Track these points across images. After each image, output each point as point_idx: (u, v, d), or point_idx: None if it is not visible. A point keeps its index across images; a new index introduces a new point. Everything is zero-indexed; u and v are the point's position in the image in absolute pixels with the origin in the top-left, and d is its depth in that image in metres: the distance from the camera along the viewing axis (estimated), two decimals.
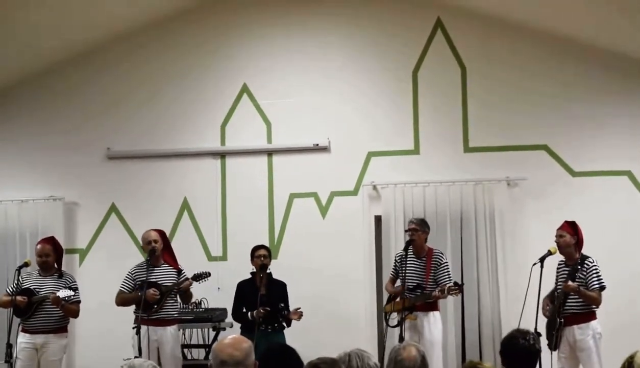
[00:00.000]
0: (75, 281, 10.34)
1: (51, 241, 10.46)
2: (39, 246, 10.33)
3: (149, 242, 10.18)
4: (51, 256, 10.28)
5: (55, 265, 10.35)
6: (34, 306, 10.04)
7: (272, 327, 10.25)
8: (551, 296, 9.71)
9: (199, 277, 10.11)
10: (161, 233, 10.37)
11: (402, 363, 5.50)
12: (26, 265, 10.44)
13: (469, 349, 11.12)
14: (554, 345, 9.53)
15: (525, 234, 11.16)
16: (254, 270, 10.52)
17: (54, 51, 11.96)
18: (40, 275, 10.26)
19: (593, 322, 9.54)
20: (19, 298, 9.99)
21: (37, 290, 10.10)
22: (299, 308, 10.35)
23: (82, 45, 12.06)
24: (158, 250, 10.16)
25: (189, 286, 10.08)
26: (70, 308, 10.13)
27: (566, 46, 11.39)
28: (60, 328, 10.21)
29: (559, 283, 9.67)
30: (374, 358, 5.20)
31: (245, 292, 10.48)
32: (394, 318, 10.18)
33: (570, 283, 9.40)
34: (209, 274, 10.17)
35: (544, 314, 9.64)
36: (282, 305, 10.38)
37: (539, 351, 5.85)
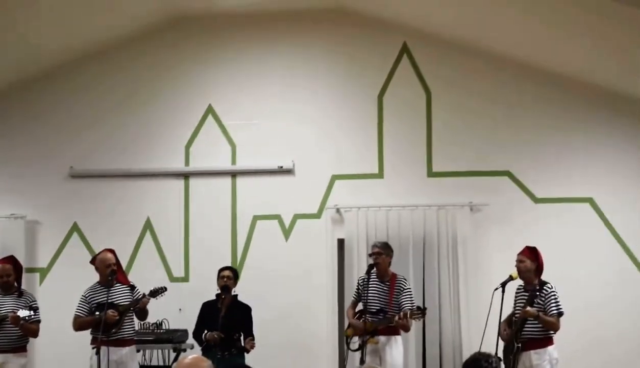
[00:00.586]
0: (35, 301, 10.25)
1: (11, 260, 10.38)
2: None
3: (108, 265, 10.09)
4: (12, 275, 10.22)
5: (15, 284, 10.26)
6: None
7: (229, 353, 10.13)
8: (509, 321, 9.73)
9: (155, 293, 10.01)
10: (113, 252, 10.30)
11: None
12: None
13: None
14: None
15: (487, 259, 11.21)
16: (218, 292, 10.48)
17: (17, 68, 11.89)
18: (1, 294, 10.16)
19: (550, 348, 9.57)
20: None
21: None
22: (252, 339, 10.22)
23: (47, 63, 12.01)
24: (116, 272, 10.11)
25: (146, 303, 10.01)
26: (30, 328, 10.04)
27: (530, 73, 11.49)
28: (19, 347, 10.12)
29: (517, 308, 9.70)
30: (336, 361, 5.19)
31: (208, 313, 10.42)
32: (355, 342, 10.16)
33: (529, 308, 9.43)
34: (165, 289, 10.08)
35: (502, 338, 9.66)
36: (237, 335, 10.26)
37: None
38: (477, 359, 5.90)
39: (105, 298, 9.93)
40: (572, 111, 11.49)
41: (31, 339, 10.36)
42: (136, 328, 10.34)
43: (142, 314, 10.14)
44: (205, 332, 10.23)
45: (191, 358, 4.39)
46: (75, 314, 10.08)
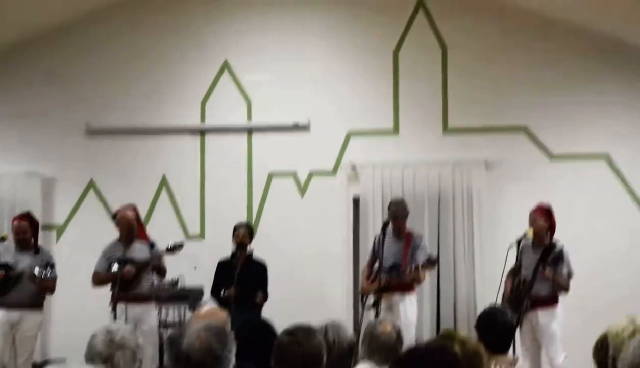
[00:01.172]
0: (52, 257, 10.31)
1: (27, 217, 10.41)
2: (15, 223, 10.29)
3: (127, 221, 10.14)
4: (28, 232, 10.26)
5: (33, 241, 10.31)
6: (11, 281, 10.00)
7: (245, 308, 10.15)
8: (514, 273, 9.67)
9: (173, 249, 10.04)
10: (133, 208, 10.36)
11: (378, 338, 5.53)
12: (3, 239, 10.40)
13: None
14: (515, 326, 9.55)
15: (502, 215, 11.19)
16: (234, 248, 10.52)
17: (32, 25, 11.88)
18: (17, 251, 10.21)
19: (557, 307, 9.59)
20: None
21: (15, 265, 10.06)
22: (261, 292, 10.30)
23: (61, 19, 11.99)
24: (135, 227, 10.15)
25: (161, 257, 10.04)
26: (46, 285, 10.11)
27: (548, 29, 11.42)
28: (36, 304, 10.18)
29: (523, 265, 9.60)
30: (350, 331, 5.22)
31: (223, 271, 10.46)
32: (370, 298, 10.18)
33: (547, 271, 9.42)
34: (182, 245, 10.11)
35: (506, 290, 9.63)
36: (264, 289, 10.32)
37: (515, 327, 5.89)
38: (491, 313, 5.95)
39: (125, 255, 9.99)
40: (590, 67, 11.42)
41: (47, 297, 10.43)
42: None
43: (160, 271, 10.19)
44: (223, 289, 10.25)
45: (208, 309, 4.44)
46: (95, 270, 10.14)
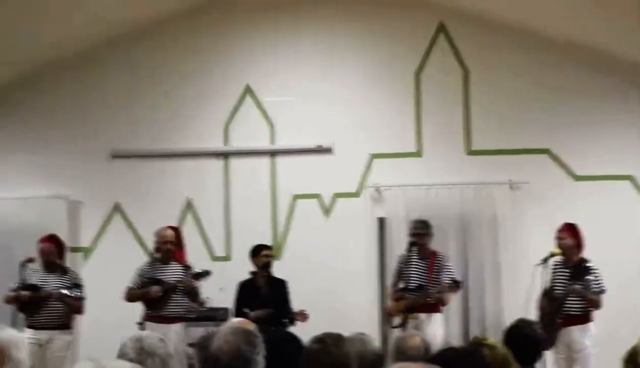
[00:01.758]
0: (79, 278, 10.40)
1: (53, 238, 10.52)
2: (41, 245, 10.40)
3: (165, 242, 10.25)
4: (54, 253, 10.36)
5: (60, 262, 10.40)
6: (39, 302, 10.08)
7: (278, 326, 10.19)
8: (547, 294, 9.70)
9: (199, 276, 10.15)
10: (175, 229, 10.50)
11: (406, 352, 5.53)
12: (30, 260, 10.46)
13: None
14: (550, 345, 9.56)
15: (527, 237, 11.19)
16: (254, 270, 10.55)
17: (58, 49, 11.97)
18: (45, 272, 10.31)
19: (590, 324, 9.59)
20: (23, 293, 10.04)
21: (42, 286, 10.16)
22: (305, 310, 10.33)
23: (86, 43, 12.07)
24: (173, 249, 10.24)
25: (189, 285, 10.11)
26: (75, 305, 10.19)
27: (570, 50, 11.44)
28: (64, 324, 10.25)
29: (555, 283, 9.67)
30: (376, 343, 5.24)
31: (247, 292, 10.48)
32: (397, 319, 10.22)
33: (577, 286, 9.43)
34: (209, 272, 10.19)
35: (540, 311, 9.64)
36: (289, 306, 10.34)
37: (544, 340, 5.89)
38: (519, 326, 5.95)
39: (159, 274, 10.12)
40: (613, 89, 11.45)
41: (77, 317, 10.49)
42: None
43: (191, 295, 10.24)
44: (248, 311, 10.26)
45: (237, 321, 4.47)
46: (128, 286, 10.25)
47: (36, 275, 10.30)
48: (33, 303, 10.08)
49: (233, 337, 3.82)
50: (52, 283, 10.18)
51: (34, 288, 10.13)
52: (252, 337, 3.87)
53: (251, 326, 4.84)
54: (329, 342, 4.60)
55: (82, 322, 11.26)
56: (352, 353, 4.64)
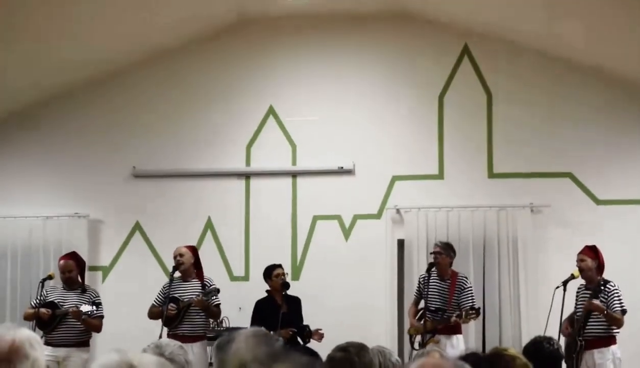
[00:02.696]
0: (98, 296, 10.43)
1: (73, 256, 10.57)
2: (61, 262, 10.45)
3: (175, 256, 10.31)
4: (74, 271, 10.39)
5: (79, 280, 10.43)
6: (57, 320, 10.10)
7: (300, 344, 10.22)
8: (571, 319, 9.70)
9: (208, 293, 10.23)
10: (192, 248, 10.56)
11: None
12: (50, 278, 10.52)
13: None
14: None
15: (547, 260, 11.16)
16: (269, 289, 10.58)
17: (79, 72, 12.05)
18: (64, 289, 10.35)
19: (613, 347, 9.53)
20: (42, 310, 10.08)
21: (61, 303, 10.20)
22: (321, 330, 10.35)
23: (107, 67, 12.14)
24: (185, 264, 10.27)
25: (200, 303, 10.12)
26: (92, 323, 10.20)
27: (593, 74, 11.43)
28: (82, 342, 10.28)
29: (578, 306, 9.66)
30: (395, 355, 5.23)
31: (265, 311, 10.48)
32: (418, 341, 10.21)
33: (595, 301, 9.37)
34: (218, 290, 10.27)
35: (564, 336, 9.61)
36: (307, 325, 10.36)
37: (562, 357, 5.85)
38: (538, 342, 5.92)
39: (177, 292, 10.15)
40: (635, 113, 11.43)
41: (95, 335, 10.51)
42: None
43: (209, 313, 10.26)
44: (271, 331, 10.24)
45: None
46: (152, 303, 10.35)
47: (55, 292, 10.34)
48: (51, 321, 10.10)
49: (253, 340, 3.80)
50: (71, 300, 10.21)
51: (52, 305, 10.15)
52: (272, 340, 3.86)
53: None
54: (352, 351, 4.60)
55: (101, 340, 11.27)
56: (375, 363, 4.63)
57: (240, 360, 1.62)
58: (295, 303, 10.56)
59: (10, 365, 3.10)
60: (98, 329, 10.35)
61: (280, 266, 10.73)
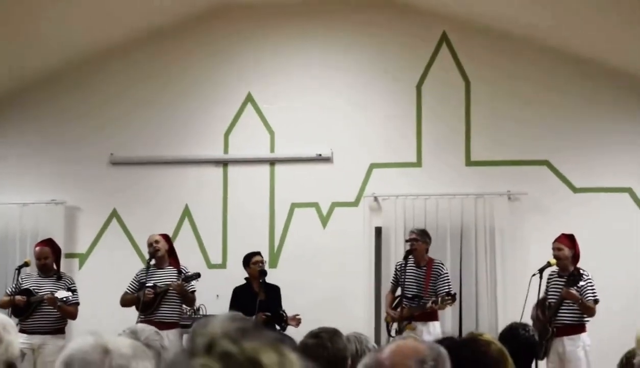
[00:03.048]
0: (74, 283, 10.40)
1: (49, 243, 10.54)
2: (37, 249, 10.41)
3: (150, 244, 10.29)
4: (50, 258, 10.36)
5: (55, 267, 10.39)
6: (32, 307, 10.06)
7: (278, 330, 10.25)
8: (541, 305, 9.71)
9: (189, 278, 10.23)
10: (165, 237, 10.53)
11: None
12: (26, 264, 10.49)
13: None
14: (542, 355, 9.54)
15: (524, 248, 11.20)
16: (247, 276, 10.61)
17: (57, 57, 11.98)
18: (39, 277, 10.31)
19: (583, 335, 9.60)
20: (17, 297, 10.04)
21: (36, 290, 10.16)
22: (298, 315, 10.37)
23: (85, 52, 12.08)
24: (161, 250, 10.25)
25: (179, 287, 10.12)
26: (68, 310, 10.18)
27: (570, 63, 11.45)
28: (57, 329, 10.25)
29: (550, 293, 9.70)
30: (372, 341, 5.24)
31: (242, 298, 10.49)
32: (395, 328, 10.24)
33: (572, 290, 9.41)
34: (199, 275, 10.27)
35: (532, 319, 9.62)
36: (283, 311, 10.38)
37: (537, 343, 5.87)
38: (514, 327, 5.94)
39: (152, 279, 10.16)
40: (613, 101, 11.45)
41: (70, 323, 10.48)
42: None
43: (185, 300, 10.27)
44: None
45: None
46: (125, 290, 10.32)
47: (30, 279, 10.31)
48: (26, 308, 10.06)
49: (230, 323, 3.78)
50: (46, 288, 10.17)
51: (27, 293, 10.11)
52: (249, 324, 3.84)
53: None
54: (325, 337, 4.59)
55: (77, 327, 11.23)
56: (348, 348, 4.62)
57: (210, 335, 1.61)
58: (274, 291, 10.58)
59: None
60: (73, 316, 10.32)
61: (258, 253, 10.75)
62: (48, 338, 10.11)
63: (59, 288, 10.17)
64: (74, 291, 10.21)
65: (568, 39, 11.22)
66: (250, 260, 10.62)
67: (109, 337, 2.61)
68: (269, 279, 10.63)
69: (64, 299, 9.98)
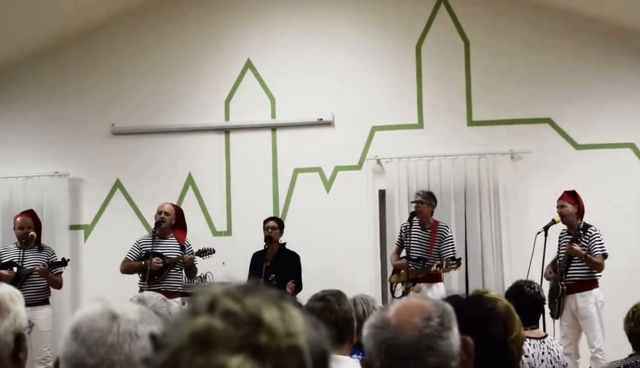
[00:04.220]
0: (55, 254, 10.43)
1: (31, 214, 10.56)
2: (19, 219, 10.42)
3: (159, 212, 10.30)
4: (32, 227, 10.34)
5: (36, 237, 10.40)
6: (21, 280, 10.03)
7: None
8: (554, 265, 9.76)
9: (203, 253, 10.27)
10: (177, 208, 10.54)
11: None
12: (32, 237, 10.45)
13: None
14: (556, 313, 9.58)
15: (528, 206, 11.21)
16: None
17: (55, 27, 11.94)
18: (19, 248, 10.31)
19: (595, 290, 9.60)
20: (4, 272, 10.01)
21: (20, 263, 10.14)
22: (292, 281, 10.40)
23: (83, 21, 12.03)
24: (166, 222, 10.26)
25: (192, 260, 10.16)
26: (57, 280, 10.26)
27: (570, 19, 11.42)
28: (44, 300, 10.31)
29: (561, 251, 9.73)
30: (379, 303, 5.26)
31: (255, 263, 10.55)
32: (399, 289, 10.26)
33: (575, 246, 9.42)
34: (213, 251, 10.32)
35: (547, 278, 9.67)
36: (272, 276, 10.33)
37: (544, 299, 5.89)
38: (520, 285, 5.96)
39: (157, 248, 10.18)
40: (613, 57, 11.43)
41: (55, 292, 10.55)
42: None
43: (190, 272, 10.33)
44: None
45: None
46: (125, 257, 10.32)
47: (10, 253, 10.33)
48: (14, 282, 10.01)
49: (231, 284, 3.79)
50: (29, 260, 10.18)
51: (15, 266, 10.12)
52: (250, 283, 3.84)
53: None
54: (332, 300, 4.61)
55: (83, 300, 11.31)
56: (352, 309, 4.65)
57: (212, 295, 1.62)
58: (289, 258, 10.58)
59: None
60: (60, 286, 10.42)
61: (272, 219, 10.82)
62: (37, 309, 10.07)
63: (43, 259, 10.22)
64: (58, 263, 10.25)
65: None
66: (265, 224, 10.65)
67: (115, 303, 2.62)
68: (293, 247, 10.68)
69: (59, 271, 10.09)
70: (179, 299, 10.19)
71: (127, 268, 10.32)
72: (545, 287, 9.55)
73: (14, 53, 12.10)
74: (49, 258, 10.27)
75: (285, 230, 11.16)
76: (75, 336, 2.46)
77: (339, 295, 4.69)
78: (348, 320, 4.61)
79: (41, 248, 10.39)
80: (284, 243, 10.67)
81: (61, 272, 10.35)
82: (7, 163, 12.11)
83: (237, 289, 1.63)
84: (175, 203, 11.30)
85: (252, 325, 1.57)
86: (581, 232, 9.54)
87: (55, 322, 10.52)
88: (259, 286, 1.65)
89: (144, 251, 10.21)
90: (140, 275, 10.14)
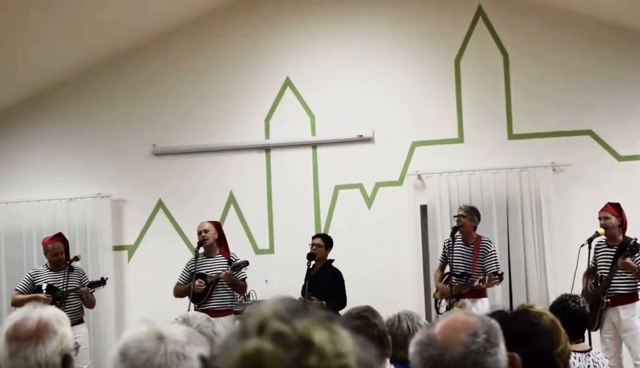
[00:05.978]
0: (85, 274, 10.60)
1: (60, 237, 10.67)
2: (50, 246, 10.52)
3: (199, 232, 10.34)
4: (63, 253, 10.51)
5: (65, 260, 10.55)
6: (57, 303, 10.10)
7: None
8: (589, 275, 9.67)
9: (237, 267, 10.28)
10: (215, 224, 10.60)
11: None
12: (77, 259, 10.56)
13: None
14: (596, 325, 9.50)
15: (571, 219, 11.14)
16: None
17: (99, 48, 12.06)
18: (50, 270, 10.45)
19: (638, 303, 9.54)
20: (42, 295, 10.10)
21: (55, 285, 10.28)
22: (322, 302, 10.37)
23: (127, 42, 12.14)
24: (209, 240, 10.30)
25: (228, 276, 10.18)
26: (91, 299, 10.44)
27: (610, 30, 11.36)
28: (81, 319, 10.45)
29: (598, 263, 9.64)
30: (423, 318, 5.26)
31: (306, 278, 10.54)
32: (443, 305, 10.23)
33: (628, 260, 9.33)
34: (247, 263, 10.33)
35: (586, 293, 9.58)
36: (308, 294, 10.31)
37: (589, 314, 5.84)
38: (564, 299, 5.92)
39: (202, 268, 10.25)
40: None
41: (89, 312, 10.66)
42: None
43: (236, 288, 10.32)
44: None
45: None
46: (177, 281, 10.46)
47: (41, 275, 10.47)
48: (54, 303, 10.10)
49: (280, 304, 3.80)
50: (63, 281, 10.29)
51: (52, 289, 10.25)
52: (300, 305, 3.85)
53: None
54: (369, 316, 4.64)
55: (128, 319, 11.38)
56: (397, 326, 4.68)
57: (262, 316, 1.64)
58: (329, 276, 10.54)
59: (39, 342, 3.13)
60: (94, 305, 10.58)
61: (319, 236, 10.82)
62: (75, 329, 10.11)
63: (77, 278, 10.38)
64: (98, 281, 10.44)
65: (608, 7, 11.11)
66: (311, 241, 10.68)
67: (162, 324, 2.64)
68: (335, 264, 10.68)
69: (92, 290, 10.31)
70: (228, 317, 10.22)
71: (177, 292, 10.44)
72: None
73: (54, 77, 12.21)
74: (81, 278, 10.39)
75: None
76: (124, 357, 2.48)
77: (371, 310, 4.73)
78: (385, 333, 4.65)
79: (72, 268, 10.49)
80: (331, 260, 10.65)
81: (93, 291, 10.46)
82: (51, 186, 12.21)
83: (286, 310, 1.64)
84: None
85: (302, 346, 1.58)
86: (632, 247, 9.41)
87: (94, 339, 10.64)
88: (307, 307, 1.66)
89: (190, 273, 10.28)
90: (189, 297, 10.20)
